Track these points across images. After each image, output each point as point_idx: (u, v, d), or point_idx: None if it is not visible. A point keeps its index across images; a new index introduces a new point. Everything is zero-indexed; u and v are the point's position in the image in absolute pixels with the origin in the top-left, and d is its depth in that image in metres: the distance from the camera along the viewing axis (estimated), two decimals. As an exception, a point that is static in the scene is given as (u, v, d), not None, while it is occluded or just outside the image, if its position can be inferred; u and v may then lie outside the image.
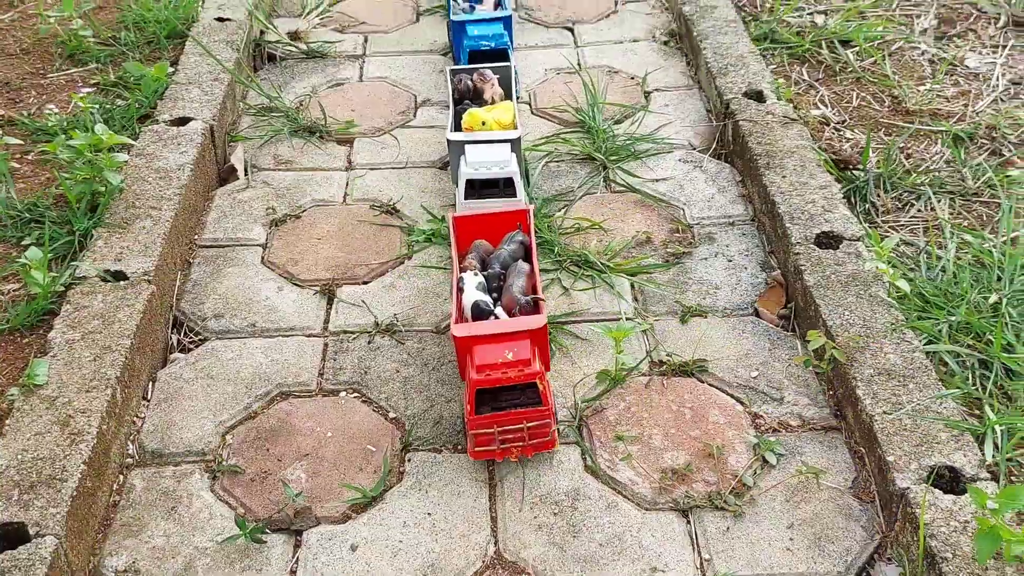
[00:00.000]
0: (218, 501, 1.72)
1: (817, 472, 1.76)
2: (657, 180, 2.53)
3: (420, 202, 2.47)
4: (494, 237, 2.04)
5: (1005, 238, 2.16)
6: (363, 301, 2.17)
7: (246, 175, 2.57)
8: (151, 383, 1.95)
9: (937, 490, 1.57)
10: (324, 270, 2.25)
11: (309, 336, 2.08)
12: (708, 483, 1.75)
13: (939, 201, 2.33)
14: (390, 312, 2.14)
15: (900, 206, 2.34)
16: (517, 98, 2.53)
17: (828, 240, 2.12)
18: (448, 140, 2.29)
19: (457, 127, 2.34)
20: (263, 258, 2.29)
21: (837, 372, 1.89)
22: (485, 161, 2.16)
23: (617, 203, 2.45)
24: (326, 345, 2.06)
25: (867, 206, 2.33)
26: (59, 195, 2.27)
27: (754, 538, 1.66)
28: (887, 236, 2.20)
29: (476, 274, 1.89)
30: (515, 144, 2.23)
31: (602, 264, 2.24)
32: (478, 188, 2.18)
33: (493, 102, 2.47)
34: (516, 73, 2.65)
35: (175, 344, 2.07)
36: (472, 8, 2.89)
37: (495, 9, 2.90)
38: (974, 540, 1.45)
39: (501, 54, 2.66)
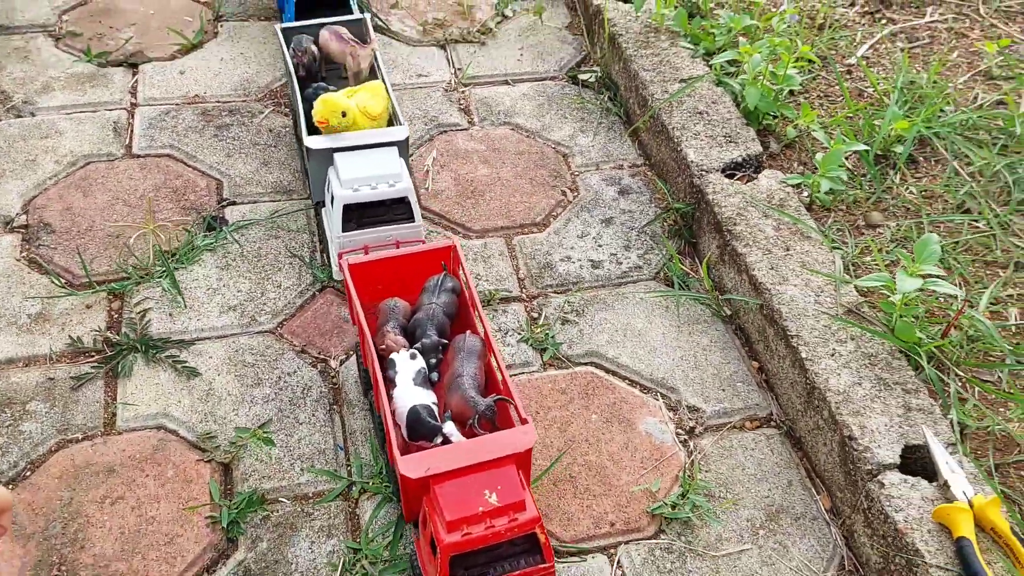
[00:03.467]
0: (63, 52, 2.11)
1: (540, 11, 2.30)
2: None
3: None
4: (406, 287, 1.43)
5: None
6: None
7: None
8: (-13, -18, 2.27)
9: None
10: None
11: (124, -48, 2.42)
12: (461, 28, 2.27)
13: None
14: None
15: None
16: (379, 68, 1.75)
17: None
18: (307, 148, 1.57)
19: (310, 122, 1.61)
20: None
21: (558, -50, 2.42)
22: (367, 176, 1.54)
23: None
24: (140, -41, 2.41)
25: None
26: None
27: (494, 56, 2.20)
28: None
29: (414, 356, 1.29)
30: (402, 147, 1.60)
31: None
32: (358, 213, 1.56)
33: (360, 75, 1.74)
34: (369, 25, 1.83)
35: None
36: None
37: None
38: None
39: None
